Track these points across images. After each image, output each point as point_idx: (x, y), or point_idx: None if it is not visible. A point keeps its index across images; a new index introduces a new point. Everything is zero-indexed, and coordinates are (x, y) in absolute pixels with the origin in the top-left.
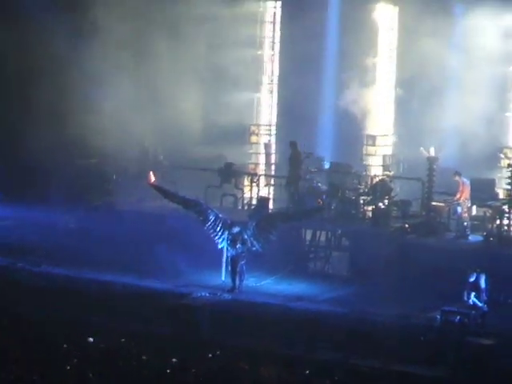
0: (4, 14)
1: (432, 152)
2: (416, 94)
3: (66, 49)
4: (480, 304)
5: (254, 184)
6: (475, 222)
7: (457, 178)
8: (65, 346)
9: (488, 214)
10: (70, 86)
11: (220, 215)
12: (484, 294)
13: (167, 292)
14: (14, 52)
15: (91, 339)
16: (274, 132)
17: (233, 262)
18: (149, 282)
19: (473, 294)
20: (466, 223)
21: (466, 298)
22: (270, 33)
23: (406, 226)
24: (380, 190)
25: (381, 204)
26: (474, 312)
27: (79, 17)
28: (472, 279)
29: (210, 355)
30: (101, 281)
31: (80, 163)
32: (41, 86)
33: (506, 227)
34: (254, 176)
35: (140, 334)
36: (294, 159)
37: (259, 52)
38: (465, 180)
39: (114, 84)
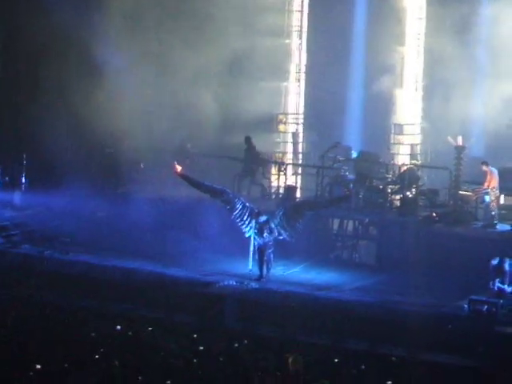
0: None
1: (459, 141)
2: (443, 82)
3: (82, 30)
4: (506, 287)
5: (282, 173)
6: (503, 211)
7: (484, 167)
8: (93, 334)
9: None
10: (87, 72)
11: (247, 204)
12: (508, 278)
13: (194, 280)
14: (24, 32)
15: (119, 327)
16: (301, 121)
17: (260, 250)
18: (175, 270)
19: (497, 280)
20: (493, 212)
21: (491, 286)
22: (298, 22)
23: (434, 215)
24: (408, 178)
25: (408, 193)
26: (502, 301)
27: None
28: (495, 263)
29: (237, 345)
30: (126, 268)
31: (107, 151)
32: (55, 69)
33: None
34: (281, 165)
35: (166, 322)
36: (248, 153)
37: (287, 41)
38: (492, 169)
39: (137, 71)
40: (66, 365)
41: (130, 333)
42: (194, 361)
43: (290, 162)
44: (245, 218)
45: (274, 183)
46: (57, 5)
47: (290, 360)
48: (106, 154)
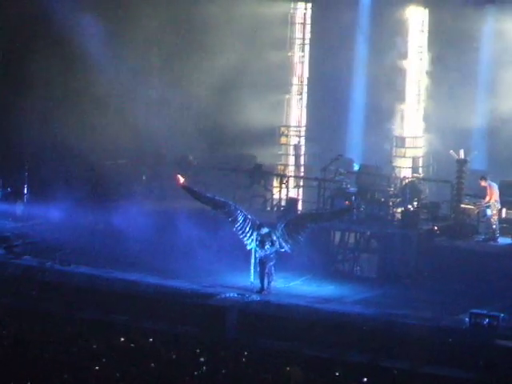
0: None
1: (461, 154)
2: (445, 95)
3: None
4: None
5: (284, 185)
6: (504, 225)
7: (483, 182)
8: (94, 346)
9: None
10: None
11: (249, 216)
12: None
13: (195, 292)
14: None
15: (122, 339)
16: (303, 133)
17: (261, 263)
18: (176, 282)
19: None
20: (495, 226)
21: None
22: (300, 34)
23: (435, 228)
24: (409, 191)
25: (410, 206)
26: (503, 315)
27: None
28: None
29: (238, 357)
30: (128, 280)
31: (108, 164)
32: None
33: None
34: (283, 177)
35: (167, 334)
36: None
37: (289, 53)
38: (492, 183)
39: (139, 82)
40: (65, 376)
41: (132, 344)
42: (195, 373)
43: (292, 174)
44: (246, 230)
45: (276, 195)
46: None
47: (291, 372)
48: (108, 167)
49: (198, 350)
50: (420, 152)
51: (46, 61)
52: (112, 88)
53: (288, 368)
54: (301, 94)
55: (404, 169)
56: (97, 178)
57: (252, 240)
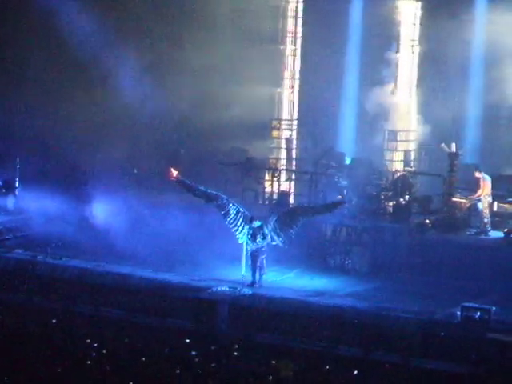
0: None
1: (453, 148)
2: (438, 89)
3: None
4: None
5: (275, 179)
6: (496, 219)
7: (477, 173)
8: (88, 340)
9: (509, 210)
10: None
11: (241, 209)
12: None
13: (186, 286)
14: None
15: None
16: (295, 127)
17: (253, 256)
18: (168, 275)
19: None
20: (486, 219)
21: None
22: (292, 28)
23: (427, 221)
24: (401, 185)
25: (402, 199)
26: (494, 308)
27: None
28: None
29: (228, 350)
30: (119, 273)
31: (100, 157)
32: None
33: None
34: (275, 171)
35: (158, 327)
36: None
37: (281, 47)
38: (485, 176)
39: (130, 74)
40: (58, 370)
41: (126, 339)
42: (186, 366)
43: (284, 167)
44: (238, 224)
45: (268, 189)
46: None
47: (282, 366)
48: (100, 160)
49: (188, 344)
50: (412, 145)
51: (42, 61)
52: (108, 82)
53: (279, 361)
54: (293, 87)
55: (396, 162)
56: (86, 172)
57: (244, 233)
